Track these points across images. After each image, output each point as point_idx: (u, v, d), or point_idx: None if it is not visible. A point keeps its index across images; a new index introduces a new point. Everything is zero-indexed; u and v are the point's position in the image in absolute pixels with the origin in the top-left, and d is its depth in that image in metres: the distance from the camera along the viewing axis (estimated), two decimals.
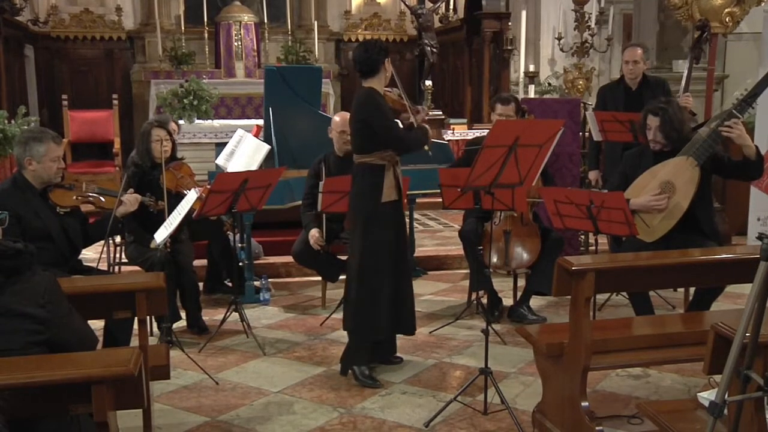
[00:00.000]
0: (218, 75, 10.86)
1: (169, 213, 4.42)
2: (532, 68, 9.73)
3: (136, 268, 4.75)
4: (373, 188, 3.86)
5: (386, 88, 3.96)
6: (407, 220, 5.22)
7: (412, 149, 3.97)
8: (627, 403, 3.64)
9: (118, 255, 5.18)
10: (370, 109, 3.81)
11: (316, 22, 11.34)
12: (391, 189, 3.88)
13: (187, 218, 4.35)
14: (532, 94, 9.20)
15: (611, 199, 4.02)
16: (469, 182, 3.53)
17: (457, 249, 5.77)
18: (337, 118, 5.15)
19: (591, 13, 9.84)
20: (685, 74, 5.52)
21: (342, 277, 5.25)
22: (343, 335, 4.68)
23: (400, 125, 3.99)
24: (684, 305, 4.75)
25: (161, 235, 4.26)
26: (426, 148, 3.96)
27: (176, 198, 4.59)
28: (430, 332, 4.70)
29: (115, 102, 9.18)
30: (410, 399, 3.75)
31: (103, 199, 4.17)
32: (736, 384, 2.11)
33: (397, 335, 4.18)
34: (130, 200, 4.19)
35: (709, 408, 2.09)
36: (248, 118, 9.87)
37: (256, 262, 5.80)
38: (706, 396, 2.57)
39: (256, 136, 6.04)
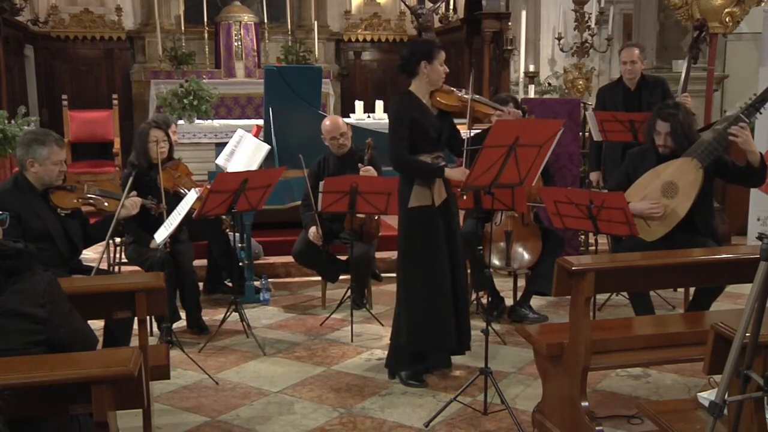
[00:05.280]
0: (218, 75, 10.87)
1: (168, 212, 4.42)
2: (532, 68, 9.72)
3: (136, 268, 4.76)
4: (404, 193, 3.84)
5: (457, 90, 3.86)
6: None
7: (407, 172, 3.80)
8: (627, 403, 3.64)
9: (118, 255, 5.18)
10: (389, 114, 3.84)
11: (316, 22, 11.34)
12: (424, 194, 3.78)
13: (187, 218, 4.35)
14: (532, 94, 9.19)
15: (611, 199, 4.02)
16: (469, 182, 3.53)
17: None
18: (326, 123, 5.13)
19: (591, 13, 9.83)
20: (683, 74, 5.52)
21: (342, 277, 5.28)
22: (342, 335, 4.70)
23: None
24: (684, 305, 4.74)
25: (161, 235, 4.26)
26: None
27: (174, 198, 4.59)
28: None
29: (115, 102, 9.18)
30: (410, 399, 3.75)
31: (105, 203, 4.17)
32: (736, 384, 2.11)
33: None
34: (132, 204, 4.18)
35: (709, 408, 2.09)
36: (248, 118, 9.87)
37: (256, 262, 5.80)
38: (706, 396, 2.57)
39: (256, 136, 6.04)
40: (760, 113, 4.24)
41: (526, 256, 4.76)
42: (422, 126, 3.75)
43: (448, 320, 3.85)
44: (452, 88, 3.89)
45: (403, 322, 3.87)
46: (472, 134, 3.91)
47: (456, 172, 3.77)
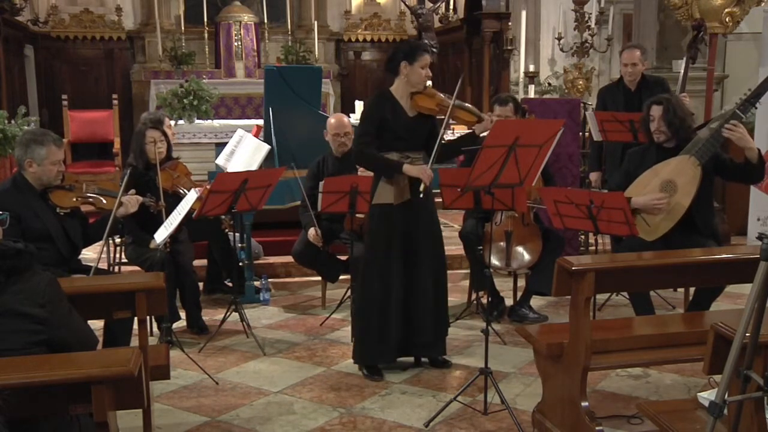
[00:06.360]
0: (218, 75, 10.87)
1: (168, 213, 4.42)
2: (532, 68, 9.71)
3: (136, 268, 4.75)
4: (373, 189, 3.96)
5: (443, 94, 3.87)
6: None
7: (367, 166, 3.95)
8: (627, 403, 3.64)
9: (118, 255, 5.18)
10: (362, 110, 3.95)
11: (316, 22, 11.34)
12: (385, 192, 3.90)
13: (187, 218, 4.35)
14: (532, 94, 9.18)
15: (611, 199, 4.02)
16: (469, 182, 3.53)
17: (457, 249, 5.77)
18: (332, 120, 5.15)
19: (591, 13, 9.82)
20: (682, 74, 5.52)
21: (342, 276, 5.28)
22: (342, 335, 4.69)
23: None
24: (684, 305, 4.75)
25: (161, 235, 4.26)
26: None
27: (173, 198, 4.59)
28: None
29: (115, 102, 9.17)
30: (410, 399, 3.75)
31: (104, 201, 4.17)
32: (736, 384, 2.11)
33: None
34: (131, 201, 4.18)
35: (709, 408, 2.09)
36: (248, 118, 9.86)
37: (256, 262, 5.80)
38: (706, 396, 2.57)
39: (256, 136, 6.04)
40: (756, 108, 4.25)
41: (526, 256, 4.76)
42: (391, 126, 3.83)
43: (390, 317, 3.95)
44: (436, 92, 3.90)
45: (363, 312, 4.04)
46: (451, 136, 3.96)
47: (415, 169, 3.79)
